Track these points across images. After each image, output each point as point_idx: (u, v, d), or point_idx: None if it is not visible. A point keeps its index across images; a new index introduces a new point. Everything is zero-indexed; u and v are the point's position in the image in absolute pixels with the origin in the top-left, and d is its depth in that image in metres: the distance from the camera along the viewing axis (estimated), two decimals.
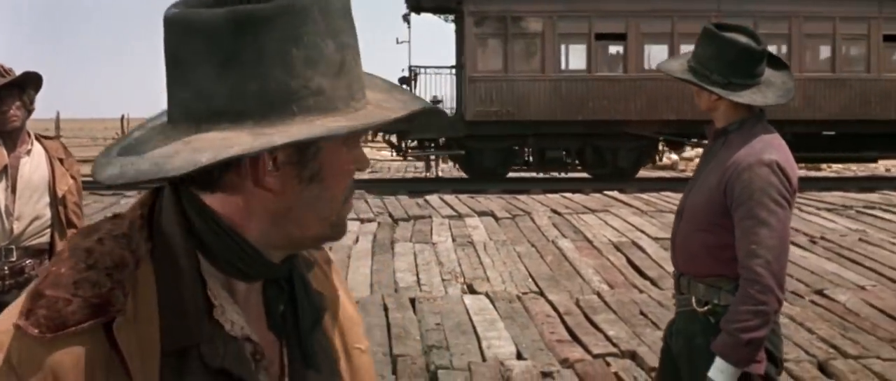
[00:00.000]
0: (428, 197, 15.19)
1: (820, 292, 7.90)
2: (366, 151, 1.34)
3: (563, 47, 19.63)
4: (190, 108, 1.09)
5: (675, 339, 3.17)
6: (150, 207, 1.14)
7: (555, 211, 13.02)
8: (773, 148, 2.93)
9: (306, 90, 1.08)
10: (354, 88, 1.14)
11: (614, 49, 19.98)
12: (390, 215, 12.80)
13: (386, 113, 1.14)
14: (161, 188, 1.14)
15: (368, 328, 6.75)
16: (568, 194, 15.59)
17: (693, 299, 3.03)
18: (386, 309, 7.36)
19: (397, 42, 21.01)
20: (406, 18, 20.16)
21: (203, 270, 1.12)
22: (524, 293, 8.00)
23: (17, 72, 4.16)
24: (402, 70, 21.14)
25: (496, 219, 12.44)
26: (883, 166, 24.66)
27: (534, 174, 19.72)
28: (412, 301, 7.66)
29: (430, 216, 12.64)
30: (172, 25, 1.09)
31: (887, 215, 12.60)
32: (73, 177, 4.44)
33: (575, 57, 19.90)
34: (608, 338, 6.50)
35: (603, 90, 18.94)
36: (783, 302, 2.87)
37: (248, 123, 1.06)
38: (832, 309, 7.37)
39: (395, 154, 22.79)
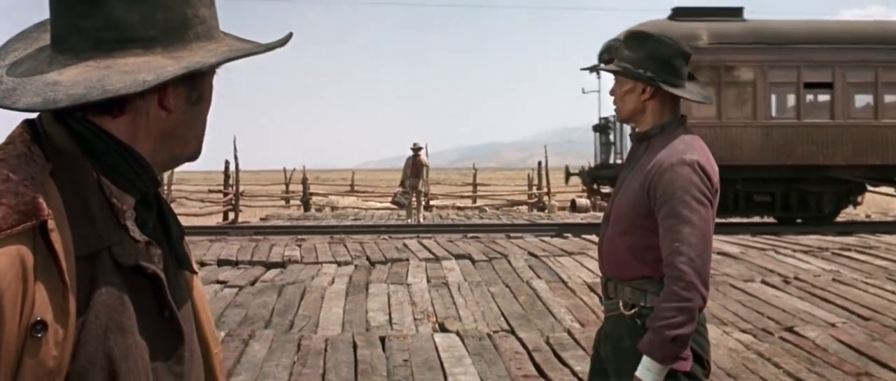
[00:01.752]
0: (407, 241, 15.21)
1: (790, 329, 7.93)
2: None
3: (772, 95, 20.01)
4: (100, 36, 1.20)
5: (603, 344, 3.17)
6: (30, 135, 1.21)
7: (532, 254, 13.04)
8: (693, 149, 2.96)
9: (197, 19, 1.27)
10: (218, 18, 1.33)
11: (822, 97, 20.32)
12: (368, 259, 12.80)
13: (255, 43, 1.30)
14: (31, 120, 1.23)
15: (335, 365, 6.77)
16: (546, 238, 15.63)
17: (620, 303, 3.04)
18: (355, 347, 7.35)
19: (583, 92, 21.45)
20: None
21: (104, 185, 1.22)
22: (495, 332, 8.00)
23: None
24: (600, 120, 21.73)
25: (473, 262, 12.45)
26: (863, 212, 24.78)
27: (740, 219, 19.78)
28: (382, 339, 7.65)
29: (407, 259, 12.65)
30: None
31: (862, 256, 12.66)
32: None
33: (784, 104, 20.33)
34: (575, 373, 6.50)
35: (811, 136, 19.31)
36: (707, 299, 2.86)
37: (158, 48, 1.22)
38: (801, 345, 7.40)
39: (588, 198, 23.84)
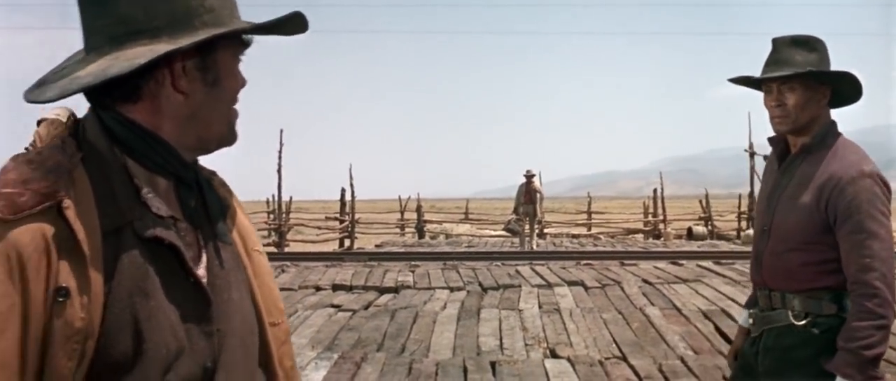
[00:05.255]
0: (520, 267, 15.19)
1: None
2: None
3: None
4: (112, 32, 1.36)
5: (764, 357, 3.06)
6: (72, 129, 1.39)
7: (646, 281, 12.86)
8: (866, 159, 2.89)
9: (202, 8, 1.39)
10: (234, 8, 1.45)
11: None
12: (480, 284, 12.85)
13: (258, 24, 1.42)
14: (75, 119, 1.41)
15: None
16: (660, 265, 15.38)
17: (788, 313, 2.97)
18: (465, 371, 7.38)
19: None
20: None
21: (130, 168, 1.38)
22: (606, 358, 7.91)
23: None
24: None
25: (586, 288, 12.35)
26: None
27: None
28: (493, 364, 7.66)
29: (519, 285, 12.64)
30: None
31: None
32: None
33: None
34: None
35: None
36: None
37: (163, 37, 1.34)
38: None
39: None
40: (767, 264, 3.08)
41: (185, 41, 1.34)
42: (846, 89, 3.02)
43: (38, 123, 4.40)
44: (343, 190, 28.82)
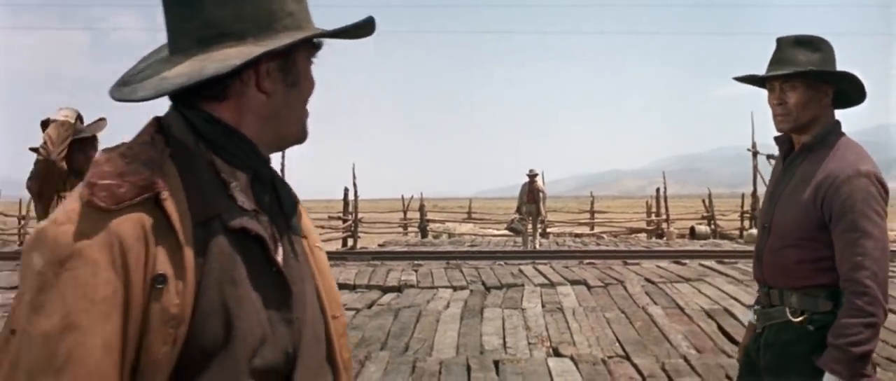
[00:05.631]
0: (523, 267, 15.22)
1: None
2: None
3: None
4: (200, 35, 1.43)
5: (765, 352, 3.11)
6: (156, 128, 1.44)
7: (648, 280, 12.88)
8: (865, 158, 2.92)
9: (283, 12, 1.46)
10: (309, 13, 1.53)
11: None
12: (483, 284, 12.88)
13: (335, 29, 1.49)
14: (158, 117, 1.47)
15: None
16: (663, 264, 15.39)
17: (786, 310, 3.01)
18: (469, 369, 7.41)
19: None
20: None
21: (216, 164, 1.45)
22: (609, 357, 7.94)
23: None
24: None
25: (588, 287, 12.38)
26: None
27: None
28: (496, 363, 7.68)
29: (522, 285, 12.67)
30: None
31: None
32: None
33: None
34: None
35: None
36: (888, 313, 2.81)
37: (248, 40, 1.42)
38: None
39: None
40: (767, 260, 3.12)
41: (270, 44, 1.41)
42: (849, 90, 3.04)
43: (43, 124, 4.44)
44: (346, 189, 28.85)
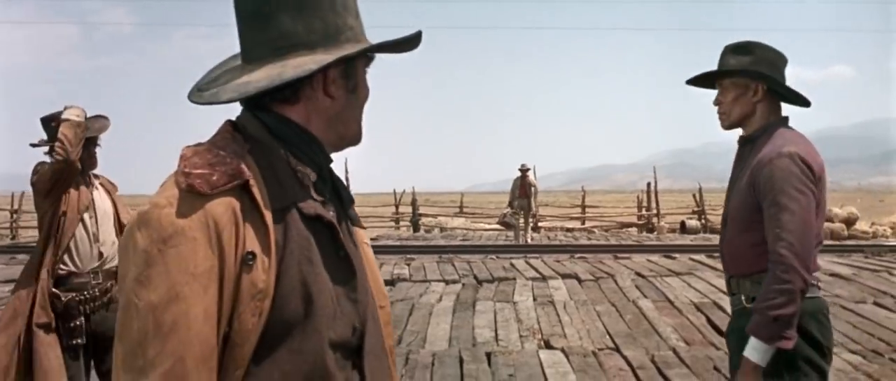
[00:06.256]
0: (514, 261, 15.32)
1: None
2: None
3: None
4: (276, 45, 1.59)
5: (730, 338, 3.33)
6: (233, 128, 1.61)
7: (639, 274, 13.01)
8: (792, 142, 3.08)
9: (345, 26, 1.64)
10: (364, 28, 1.71)
11: None
12: (475, 277, 12.98)
13: (388, 41, 1.65)
14: (232, 120, 1.64)
15: (442, 379, 6.93)
16: (653, 258, 15.52)
17: (742, 297, 3.21)
18: (461, 362, 7.52)
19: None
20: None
21: (290, 159, 1.61)
22: (600, 349, 8.05)
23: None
24: None
25: (579, 281, 12.50)
26: None
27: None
28: (488, 355, 7.80)
29: (514, 278, 12.78)
30: None
31: None
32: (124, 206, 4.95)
33: None
34: None
35: None
36: (809, 282, 2.95)
37: (319, 50, 1.59)
38: None
39: None
40: (725, 251, 3.35)
41: (338, 53, 1.58)
42: (777, 87, 3.23)
43: (44, 122, 4.52)
44: None
